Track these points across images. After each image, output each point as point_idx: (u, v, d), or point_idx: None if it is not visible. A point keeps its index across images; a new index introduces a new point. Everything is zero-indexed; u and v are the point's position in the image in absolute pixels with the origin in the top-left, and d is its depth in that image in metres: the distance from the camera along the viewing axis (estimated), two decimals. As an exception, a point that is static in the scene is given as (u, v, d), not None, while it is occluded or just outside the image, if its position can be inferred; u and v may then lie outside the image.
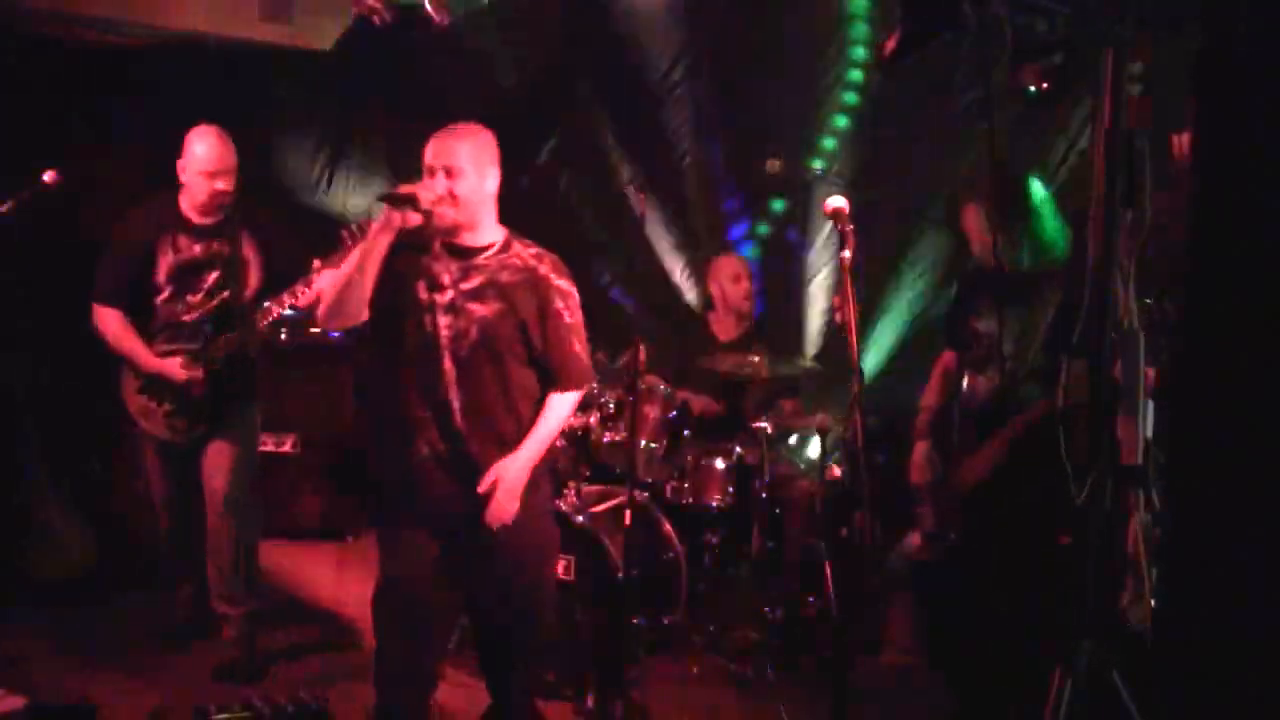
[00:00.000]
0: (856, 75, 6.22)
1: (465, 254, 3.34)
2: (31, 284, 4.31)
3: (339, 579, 5.68)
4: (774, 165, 6.39)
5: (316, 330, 6.37)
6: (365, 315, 3.29)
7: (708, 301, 5.82)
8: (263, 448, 6.22)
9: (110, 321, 4.34)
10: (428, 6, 5.48)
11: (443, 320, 3.29)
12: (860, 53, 6.21)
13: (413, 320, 3.31)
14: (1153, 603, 2.63)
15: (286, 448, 6.33)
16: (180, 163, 4.33)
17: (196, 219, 4.36)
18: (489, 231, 3.37)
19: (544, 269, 3.36)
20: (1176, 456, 2.49)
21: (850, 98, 6.28)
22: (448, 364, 3.29)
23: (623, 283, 6.76)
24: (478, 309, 3.29)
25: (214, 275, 4.37)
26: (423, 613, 3.36)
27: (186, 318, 4.36)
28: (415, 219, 3.22)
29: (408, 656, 3.38)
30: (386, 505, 3.47)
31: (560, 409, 3.43)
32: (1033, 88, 2.73)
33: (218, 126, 4.35)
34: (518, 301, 3.31)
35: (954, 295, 4.36)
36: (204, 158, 4.28)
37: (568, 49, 6.58)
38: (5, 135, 5.66)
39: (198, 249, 4.35)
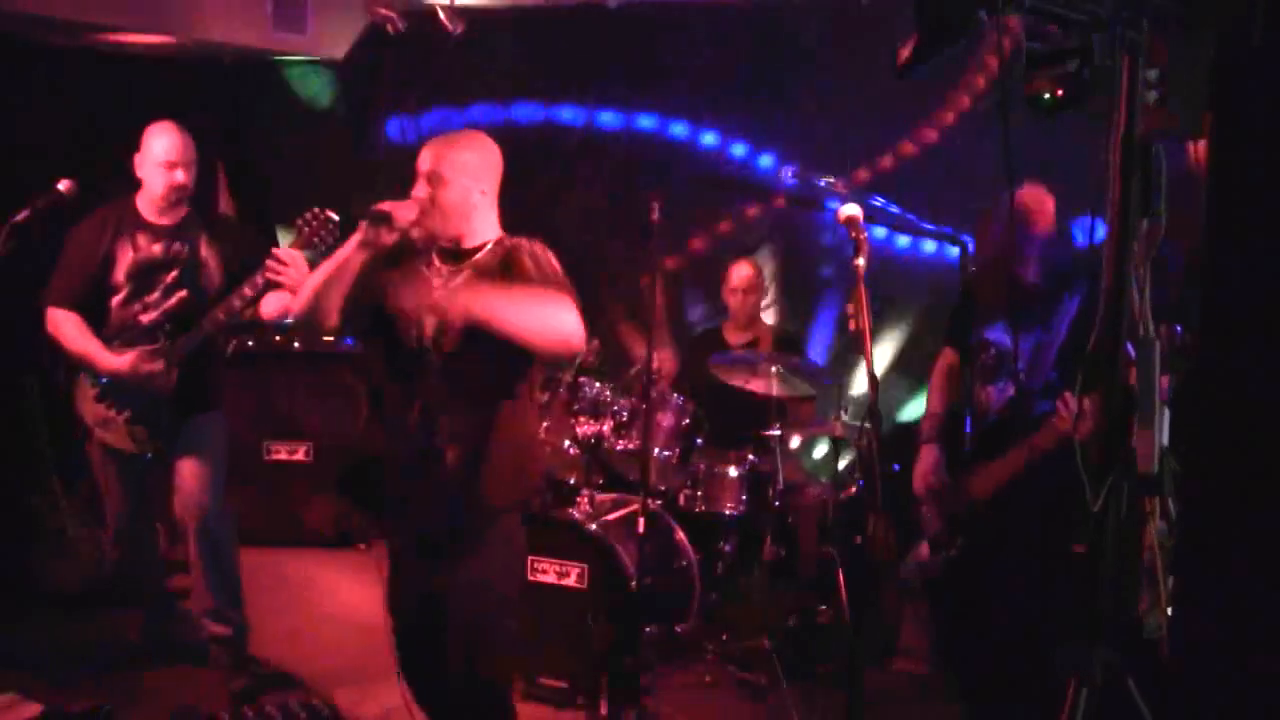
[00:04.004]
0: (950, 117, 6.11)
1: (458, 257, 3.31)
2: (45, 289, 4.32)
3: (350, 587, 5.69)
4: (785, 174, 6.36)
5: (328, 338, 6.40)
6: (334, 321, 3.24)
7: (724, 309, 5.82)
8: (275, 456, 6.33)
9: (67, 324, 4.24)
10: (442, 15, 5.50)
11: (428, 321, 3.25)
12: (966, 102, 6.06)
13: (400, 327, 3.28)
14: (1168, 610, 2.62)
15: (299, 455, 6.33)
16: (138, 158, 4.28)
17: (155, 218, 4.30)
18: (484, 235, 3.32)
19: (518, 241, 3.30)
20: (1191, 463, 2.48)
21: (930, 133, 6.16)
22: (435, 362, 3.25)
23: (636, 288, 6.73)
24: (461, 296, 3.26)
25: (172, 275, 4.28)
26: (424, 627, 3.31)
27: (144, 318, 4.25)
28: (390, 237, 3.17)
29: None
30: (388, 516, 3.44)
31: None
32: (1047, 95, 2.73)
33: (176, 122, 4.31)
34: (493, 279, 3.22)
35: (961, 294, 4.33)
36: (163, 150, 4.23)
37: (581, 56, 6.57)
38: (16, 144, 5.71)
39: (157, 248, 4.27)
